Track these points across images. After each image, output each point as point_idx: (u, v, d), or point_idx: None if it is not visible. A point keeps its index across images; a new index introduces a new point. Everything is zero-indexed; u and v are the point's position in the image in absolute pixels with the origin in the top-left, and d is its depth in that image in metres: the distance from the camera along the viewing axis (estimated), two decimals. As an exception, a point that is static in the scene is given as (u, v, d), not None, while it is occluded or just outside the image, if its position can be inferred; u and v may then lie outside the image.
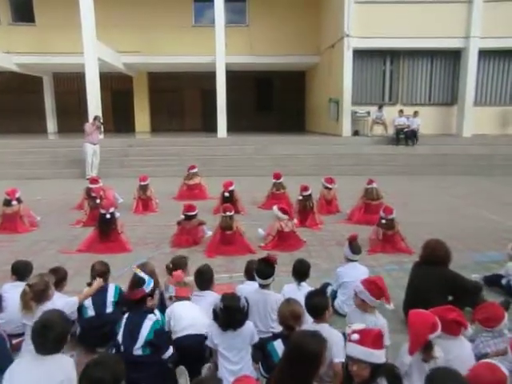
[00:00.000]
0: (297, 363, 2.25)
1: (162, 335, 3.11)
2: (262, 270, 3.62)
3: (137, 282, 3.19)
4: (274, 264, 3.64)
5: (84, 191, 8.33)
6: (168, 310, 3.47)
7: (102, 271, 3.86)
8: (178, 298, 3.60)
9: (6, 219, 7.28)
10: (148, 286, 3.20)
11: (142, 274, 3.25)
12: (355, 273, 4.29)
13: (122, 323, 3.08)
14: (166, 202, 9.29)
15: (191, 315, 3.39)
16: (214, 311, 3.09)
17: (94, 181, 8.37)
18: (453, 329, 2.79)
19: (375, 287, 3.20)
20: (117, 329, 3.09)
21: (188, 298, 3.64)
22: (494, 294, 4.58)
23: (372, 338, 2.44)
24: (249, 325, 3.12)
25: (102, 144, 13.25)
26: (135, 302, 3.17)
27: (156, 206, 8.90)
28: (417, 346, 2.61)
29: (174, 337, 3.30)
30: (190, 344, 3.22)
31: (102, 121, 12.98)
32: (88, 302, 3.68)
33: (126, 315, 3.15)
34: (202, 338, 3.18)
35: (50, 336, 2.55)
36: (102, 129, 13.16)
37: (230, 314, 3.01)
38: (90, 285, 3.81)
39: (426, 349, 2.64)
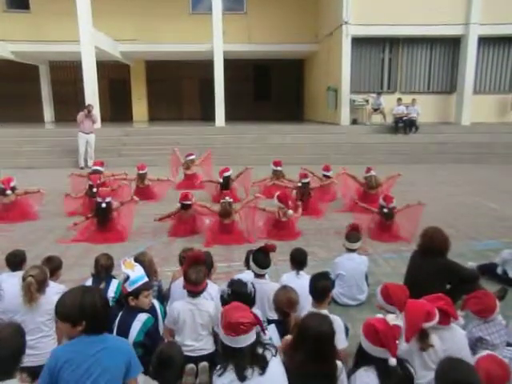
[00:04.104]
0: (313, 344, 2.34)
1: (153, 334, 3.00)
2: (260, 260, 3.60)
3: (124, 278, 3.05)
4: (273, 252, 3.63)
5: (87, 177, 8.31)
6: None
7: (107, 265, 3.79)
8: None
9: (3, 208, 7.25)
10: (131, 285, 3.00)
11: (128, 271, 3.04)
12: (351, 264, 4.31)
13: (116, 321, 2.98)
14: (167, 190, 9.23)
15: None
16: (222, 297, 3.09)
17: (98, 163, 8.71)
18: (439, 318, 2.78)
19: (385, 292, 3.12)
20: (112, 327, 2.96)
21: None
22: (489, 282, 4.59)
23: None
24: (256, 312, 3.14)
25: (98, 133, 13.19)
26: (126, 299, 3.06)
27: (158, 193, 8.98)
28: (411, 334, 2.64)
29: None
30: None
31: (91, 109, 12.82)
32: None
33: (120, 313, 3.05)
34: None
35: None
36: (96, 117, 13.03)
37: (238, 300, 2.98)
38: (93, 276, 3.77)
39: (421, 337, 2.68)
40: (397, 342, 2.31)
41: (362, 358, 2.44)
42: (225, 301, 3.05)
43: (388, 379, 2.29)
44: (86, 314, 2.22)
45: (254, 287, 3.16)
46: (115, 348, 2.30)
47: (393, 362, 2.27)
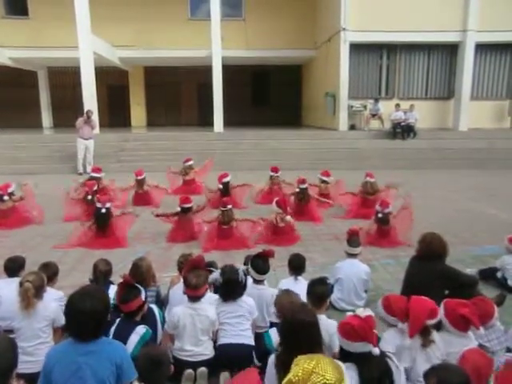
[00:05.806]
0: (295, 334, 2.33)
1: None
2: (259, 265, 3.59)
3: (131, 293, 3.01)
4: (271, 257, 3.65)
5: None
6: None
7: (105, 271, 3.78)
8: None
9: (0, 215, 7.21)
10: (143, 295, 3.06)
11: (135, 284, 3.09)
12: (352, 270, 4.30)
13: (111, 334, 2.91)
14: (163, 196, 9.21)
15: None
16: (214, 285, 3.22)
17: (96, 169, 8.77)
18: (459, 324, 2.81)
19: (387, 303, 3.06)
20: (108, 334, 2.89)
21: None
22: (489, 287, 4.59)
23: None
24: (249, 299, 3.26)
25: (97, 139, 13.19)
26: (127, 314, 3.00)
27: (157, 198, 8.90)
28: (415, 330, 2.69)
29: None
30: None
31: (90, 115, 12.87)
32: None
33: (115, 325, 2.97)
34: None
35: None
36: (95, 123, 13.06)
37: (230, 287, 3.18)
38: (92, 281, 3.75)
39: (423, 333, 2.71)
40: (374, 330, 2.32)
41: (343, 358, 2.42)
42: (217, 289, 3.24)
43: (367, 373, 2.29)
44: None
45: (245, 274, 3.28)
46: (106, 351, 2.26)
47: (376, 351, 2.29)
